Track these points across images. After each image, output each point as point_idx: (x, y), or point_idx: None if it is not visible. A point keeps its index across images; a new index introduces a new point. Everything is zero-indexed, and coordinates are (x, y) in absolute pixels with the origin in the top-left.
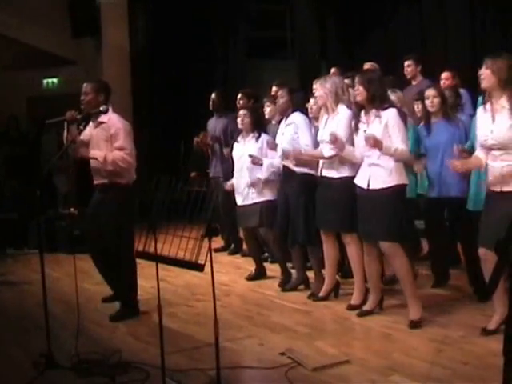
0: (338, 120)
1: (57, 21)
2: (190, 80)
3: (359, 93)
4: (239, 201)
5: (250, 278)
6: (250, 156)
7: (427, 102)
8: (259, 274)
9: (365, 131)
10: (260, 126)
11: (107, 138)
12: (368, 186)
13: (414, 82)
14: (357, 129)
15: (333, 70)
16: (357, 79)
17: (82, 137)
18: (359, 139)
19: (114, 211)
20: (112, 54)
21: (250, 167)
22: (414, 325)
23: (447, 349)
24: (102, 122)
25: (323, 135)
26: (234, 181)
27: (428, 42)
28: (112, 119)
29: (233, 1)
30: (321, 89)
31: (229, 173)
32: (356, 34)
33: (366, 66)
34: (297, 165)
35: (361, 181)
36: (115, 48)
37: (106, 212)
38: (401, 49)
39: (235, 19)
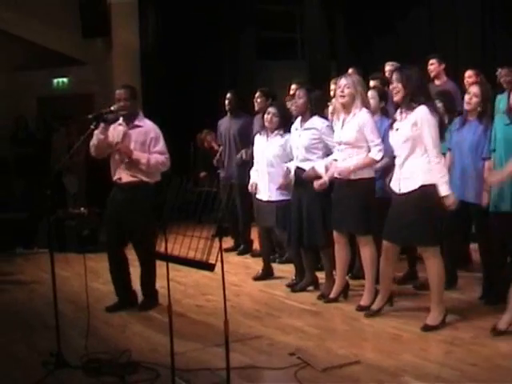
0: (360, 123)
1: (67, 21)
2: (199, 80)
3: (398, 90)
4: (259, 194)
5: (257, 278)
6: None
7: (466, 99)
8: (266, 274)
9: (397, 129)
10: (286, 124)
11: (145, 142)
12: (399, 189)
13: (437, 82)
14: (392, 127)
15: (350, 70)
16: (395, 76)
17: (110, 138)
18: (392, 138)
19: (145, 210)
20: (122, 54)
21: (272, 164)
22: (428, 329)
23: (456, 350)
24: (139, 126)
25: (341, 136)
26: (253, 176)
27: (438, 42)
28: (148, 124)
29: (242, 1)
30: (352, 86)
31: (244, 175)
32: (366, 34)
33: (388, 66)
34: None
35: (392, 183)
36: (125, 48)
37: (136, 211)
38: (410, 50)
39: (245, 20)
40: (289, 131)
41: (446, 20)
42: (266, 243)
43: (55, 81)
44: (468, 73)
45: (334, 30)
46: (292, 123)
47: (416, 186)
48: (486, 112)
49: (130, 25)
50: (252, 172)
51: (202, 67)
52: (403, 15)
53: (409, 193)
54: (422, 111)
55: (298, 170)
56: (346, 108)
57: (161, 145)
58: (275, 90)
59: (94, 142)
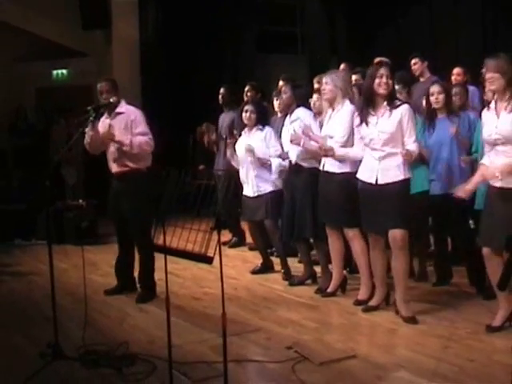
0: (340, 116)
1: (67, 13)
2: (199, 73)
3: (389, 85)
4: (246, 191)
5: (255, 272)
6: (250, 150)
7: (432, 99)
8: (266, 268)
9: (376, 123)
10: (264, 120)
11: (126, 125)
12: (376, 181)
13: (422, 79)
14: (365, 121)
15: (342, 65)
16: (384, 71)
17: (100, 129)
18: (369, 131)
19: (136, 197)
20: (122, 46)
21: (256, 159)
22: (410, 321)
23: (454, 345)
24: (121, 113)
25: (327, 130)
26: (242, 177)
27: (438, 38)
28: (128, 108)
29: None
30: (331, 83)
31: (230, 164)
32: (366, 29)
33: (376, 60)
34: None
35: (367, 176)
36: (125, 40)
37: (129, 198)
38: (411, 45)
39: (245, 13)
40: (267, 124)
41: (446, 17)
42: (258, 237)
43: (55, 72)
44: (456, 70)
45: (334, 24)
46: (269, 118)
47: (398, 179)
48: (451, 108)
49: (130, 17)
50: (240, 173)
51: (202, 60)
52: (404, 11)
53: (387, 184)
54: (405, 109)
55: (291, 164)
56: (330, 104)
57: (142, 126)
58: (275, 85)
59: (86, 139)
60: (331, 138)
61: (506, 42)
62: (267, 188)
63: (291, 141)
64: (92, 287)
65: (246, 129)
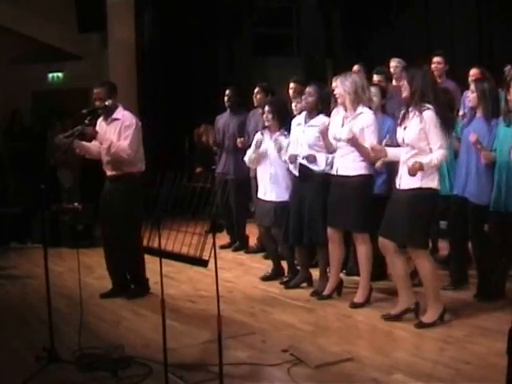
0: (361, 124)
1: (63, 15)
2: (195, 75)
3: (404, 88)
4: (260, 194)
5: (266, 278)
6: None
7: (468, 96)
8: (276, 274)
9: (405, 128)
10: (286, 122)
11: (119, 130)
12: (399, 185)
13: (438, 80)
14: (401, 125)
15: (356, 67)
16: (403, 74)
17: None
18: (399, 135)
19: (124, 198)
20: (118, 49)
21: (275, 165)
22: (422, 326)
23: (450, 348)
24: (117, 119)
25: (342, 133)
26: (258, 174)
27: (434, 41)
28: (126, 115)
29: None
30: (341, 87)
31: (241, 170)
32: (362, 31)
33: (393, 62)
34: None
35: (395, 181)
36: (121, 43)
37: (116, 200)
38: (407, 48)
39: (241, 15)
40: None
41: (442, 18)
42: (271, 243)
43: (50, 75)
44: (473, 71)
45: (330, 26)
46: (291, 120)
47: (415, 186)
48: (487, 108)
49: (126, 20)
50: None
51: (198, 62)
52: (400, 12)
53: (407, 190)
54: (429, 115)
55: (301, 166)
56: (344, 107)
57: (129, 133)
58: (271, 86)
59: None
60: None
61: (502, 42)
62: (278, 196)
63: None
64: (87, 290)
65: (266, 130)
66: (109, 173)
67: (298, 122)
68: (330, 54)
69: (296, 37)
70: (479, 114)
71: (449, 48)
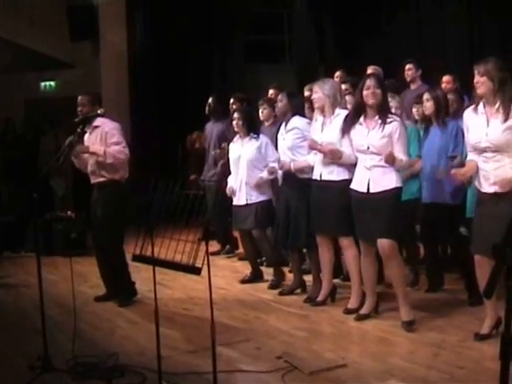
0: (337, 123)
1: (55, 24)
2: (187, 83)
3: (377, 94)
4: (235, 201)
5: (245, 281)
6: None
7: (423, 106)
8: (255, 277)
9: (367, 135)
10: (254, 127)
11: (102, 137)
12: (368, 189)
13: (412, 86)
14: (351, 128)
15: (338, 73)
16: (370, 82)
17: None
18: (360, 142)
19: (106, 205)
20: (110, 57)
21: (248, 167)
22: (408, 325)
23: (444, 353)
24: (97, 126)
25: (325, 137)
26: (230, 181)
27: (426, 46)
28: (105, 122)
29: (231, 4)
30: (319, 91)
31: (223, 176)
32: (354, 38)
33: (370, 69)
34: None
35: (358, 185)
36: (113, 51)
37: (100, 207)
38: (399, 53)
39: (233, 23)
40: (259, 133)
41: (433, 23)
42: (250, 246)
43: (43, 84)
44: (445, 78)
45: (322, 33)
46: (260, 126)
47: (389, 187)
48: (440, 116)
49: (118, 28)
50: (229, 178)
51: (190, 70)
52: (391, 18)
53: (379, 193)
54: (396, 127)
55: (286, 173)
56: (321, 112)
57: (116, 136)
58: (263, 93)
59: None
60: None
61: (492, 47)
62: (257, 197)
63: (310, 147)
64: (81, 299)
65: (237, 136)
66: (93, 180)
67: (280, 132)
68: (322, 59)
69: (288, 43)
70: (435, 122)
71: (440, 52)
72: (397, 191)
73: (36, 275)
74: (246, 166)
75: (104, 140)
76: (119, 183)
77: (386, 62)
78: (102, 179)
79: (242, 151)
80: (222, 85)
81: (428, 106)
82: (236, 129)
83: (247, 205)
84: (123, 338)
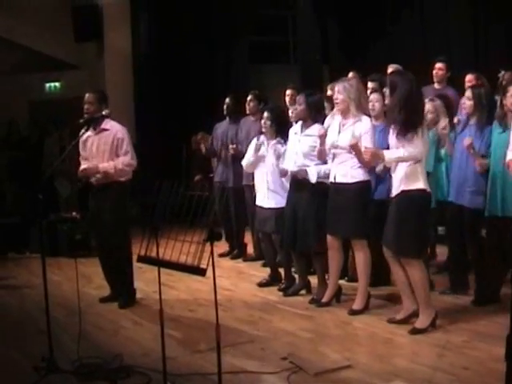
0: (359, 131)
1: (59, 25)
2: (192, 84)
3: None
4: (259, 201)
5: (263, 284)
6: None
7: (461, 102)
8: (274, 280)
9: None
10: (283, 129)
11: (113, 144)
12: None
13: (437, 86)
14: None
15: (351, 74)
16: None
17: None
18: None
19: (113, 208)
20: (114, 58)
21: (272, 172)
22: (417, 332)
23: (449, 354)
24: (105, 129)
25: (339, 140)
26: (256, 182)
27: (431, 47)
28: (114, 126)
29: (235, 5)
30: (344, 93)
31: (239, 178)
32: (358, 39)
33: (390, 68)
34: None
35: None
36: (118, 53)
37: (106, 210)
38: (403, 55)
39: (237, 24)
40: (287, 138)
41: (438, 24)
42: (270, 249)
43: (47, 85)
44: (468, 77)
45: (326, 34)
46: (289, 128)
47: (401, 190)
48: (482, 115)
49: (123, 29)
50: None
51: (194, 71)
52: (396, 19)
53: (396, 196)
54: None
55: (294, 176)
56: (343, 113)
57: (126, 145)
58: (267, 94)
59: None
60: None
61: (497, 49)
62: (278, 203)
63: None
64: (86, 300)
65: (263, 136)
66: (96, 181)
67: (294, 131)
68: (326, 61)
69: (292, 44)
70: (473, 121)
71: (445, 54)
72: (415, 193)
73: (40, 276)
74: (271, 171)
75: (115, 146)
76: (123, 184)
77: (390, 62)
78: (107, 181)
79: (267, 154)
80: (227, 85)
81: (467, 104)
82: (264, 129)
83: (269, 208)
84: (128, 339)
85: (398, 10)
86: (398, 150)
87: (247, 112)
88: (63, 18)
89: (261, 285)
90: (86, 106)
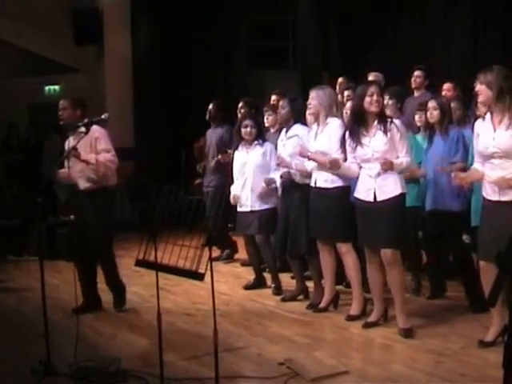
0: (329, 132)
1: (59, 28)
2: (191, 88)
3: (380, 102)
4: (240, 207)
5: (248, 287)
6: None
7: (428, 114)
8: (258, 283)
9: (369, 143)
10: (262, 135)
11: (91, 144)
12: (375, 198)
13: (416, 93)
14: (359, 142)
15: (340, 79)
16: (374, 89)
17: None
18: (363, 151)
19: (102, 213)
20: (114, 61)
21: (254, 174)
22: (406, 332)
23: (446, 360)
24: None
25: (317, 146)
26: (234, 189)
27: (430, 53)
28: (93, 128)
29: (235, 10)
30: (316, 99)
31: (223, 182)
32: (358, 44)
33: (371, 76)
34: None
35: (364, 194)
36: (117, 56)
37: (95, 215)
38: (403, 60)
39: (237, 28)
40: (265, 139)
41: (438, 30)
42: (254, 252)
43: (47, 88)
44: (446, 85)
45: (326, 39)
46: (266, 132)
47: (394, 194)
48: (444, 125)
49: (122, 32)
50: (232, 187)
51: (194, 75)
52: (396, 25)
53: (385, 200)
54: (398, 124)
55: (285, 182)
56: (315, 119)
57: (106, 143)
58: (266, 99)
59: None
60: (324, 154)
61: (497, 54)
62: (262, 204)
63: (301, 154)
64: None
65: (242, 143)
66: (82, 186)
67: (280, 138)
68: (326, 66)
69: (292, 49)
70: (438, 131)
71: (445, 59)
72: (402, 197)
73: (39, 279)
74: (252, 173)
75: (93, 147)
76: (111, 189)
77: (390, 68)
78: (92, 185)
79: (248, 158)
80: (227, 90)
81: (434, 114)
82: (247, 136)
83: (252, 211)
84: (125, 342)
85: (399, 17)
86: None
87: (239, 118)
88: (63, 21)
89: (246, 287)
90: (59, 113)
